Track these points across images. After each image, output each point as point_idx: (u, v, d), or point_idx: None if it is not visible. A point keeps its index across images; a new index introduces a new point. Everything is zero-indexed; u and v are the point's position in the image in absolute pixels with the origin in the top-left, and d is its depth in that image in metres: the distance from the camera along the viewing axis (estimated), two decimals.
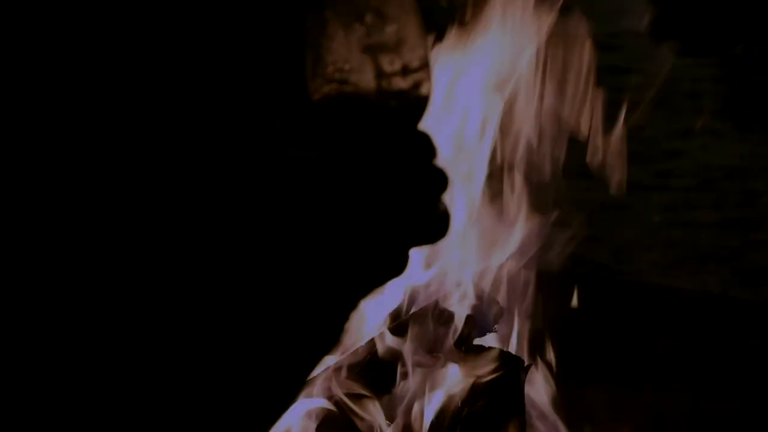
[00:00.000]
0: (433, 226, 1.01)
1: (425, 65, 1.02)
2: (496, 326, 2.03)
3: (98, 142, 1.20)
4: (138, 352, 0.97)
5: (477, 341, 1.99)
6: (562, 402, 1.98)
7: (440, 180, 1.01)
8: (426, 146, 1.01)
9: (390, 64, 1.01)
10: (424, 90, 1.02)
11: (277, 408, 1.01)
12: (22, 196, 1.13)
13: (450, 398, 1.91)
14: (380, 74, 1.00)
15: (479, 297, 2.00)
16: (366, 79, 1.00)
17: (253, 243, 0.98)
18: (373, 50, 1.00)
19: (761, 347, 2.29)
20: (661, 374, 2.20)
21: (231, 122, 1.21)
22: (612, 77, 2.61)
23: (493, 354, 1.94)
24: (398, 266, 1.01)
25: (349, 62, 1.00)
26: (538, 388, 2.00)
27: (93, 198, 1.17)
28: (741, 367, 2.23)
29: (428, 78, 1.02)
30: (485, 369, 1.94)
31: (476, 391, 1.92)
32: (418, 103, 1.02)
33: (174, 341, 0.97)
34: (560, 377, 2.01)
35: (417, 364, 1.91)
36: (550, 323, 2.07)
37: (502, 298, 2.05)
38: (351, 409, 1.88)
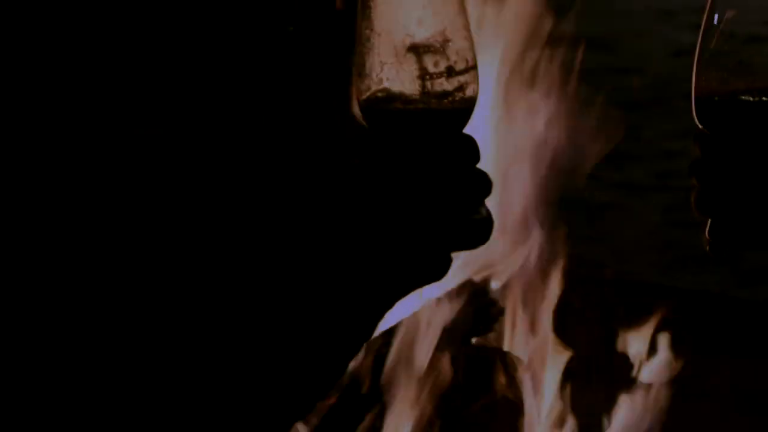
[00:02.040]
0: (474, 230, 1.01)
1: (471, 67, 1.01)
2: (495, 325, 2.03)
3: (100, 142, 1.20)
4: (162, 351, 0.97)
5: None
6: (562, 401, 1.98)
7: (483, 184, 1.01)
8: (469, 150, 1.01)
9: (434, 65, 0.99)
10: (469, 92, 1.01)
11: (314, 397, 1.02)
12: (22, 196, 1.14)
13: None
14: (425, 75, 0.99)
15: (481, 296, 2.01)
16: (411, 81, 0.99)
17: (296, 244, 0.99)
18: (417, 51, 0.99)
19: (760, 347, 2.29)
20: (660, 374, 2.20)
21: (273, 127, 1.21)
22: (612, 77, 2.61)
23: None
24: (439, 270, 1.01)
25: (394, 63, 0.99)
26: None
27: (97, 198, 1.17)
28: (740, 366, 2.23)
29: (474, 80, 1.01)
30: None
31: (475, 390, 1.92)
32: (462, 106, 1.01)
33: (217, 340, 0.98)
34: (559, 377, 2.01)
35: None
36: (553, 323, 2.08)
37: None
38: None
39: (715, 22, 1.14)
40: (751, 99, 1.14)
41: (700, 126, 1.16)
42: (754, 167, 1.13)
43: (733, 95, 1.14)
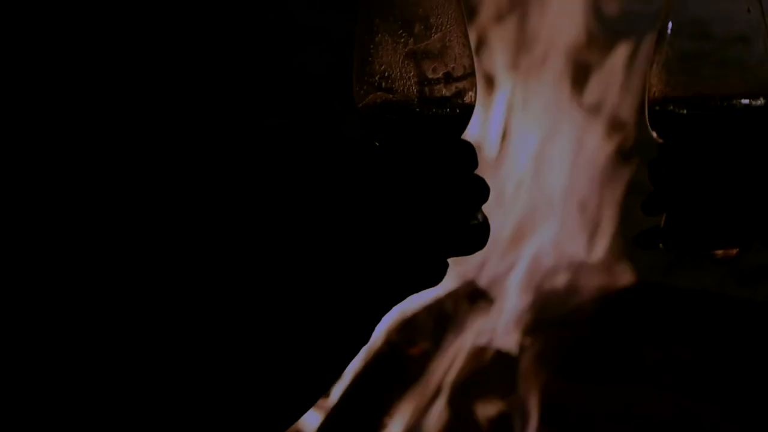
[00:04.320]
0: (471, 236, 1.02)
1: (469, 74, 1.01)
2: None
3: (101, 142, 1.21)
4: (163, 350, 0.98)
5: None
6: (561, 400, 1.99)
7: (480, 190, 1.02)
8: (467, 155, 1.01)
9: (433, 71, 1.00)
10: (467, 98, 1.01)
11: (310, 400, 1.03)
12: (22, 196, 1.14)
13: None
14: (423, 81, 1.00)
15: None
16: (409, 86, 1.00)
17: (294, 247, 1.00)
18: (416, 57, 1.00)
19: (759, 347, 2.29)
20: (660, 373, 2.20)
21: (273, 129, 1.22)
22: None
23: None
24: (436, 275, 1.02)
25: (394, 69, 1.00)
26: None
27: (96, 198, 1.18)
28: (739, 366, 2.24)
29: (472, 87, 1.01)
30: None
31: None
32: (461, 112, 1.02)
33: (214, 340, 0.99)
34: (559, 376, 2.02)
35: None
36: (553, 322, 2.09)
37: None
38: None
39: (668, 31, 1.15)
40: (702, 108, 1.15)
41: (653, 133, 1.18)
42: (705, 174, 1.15)
43: (685, 104, 1.15)
